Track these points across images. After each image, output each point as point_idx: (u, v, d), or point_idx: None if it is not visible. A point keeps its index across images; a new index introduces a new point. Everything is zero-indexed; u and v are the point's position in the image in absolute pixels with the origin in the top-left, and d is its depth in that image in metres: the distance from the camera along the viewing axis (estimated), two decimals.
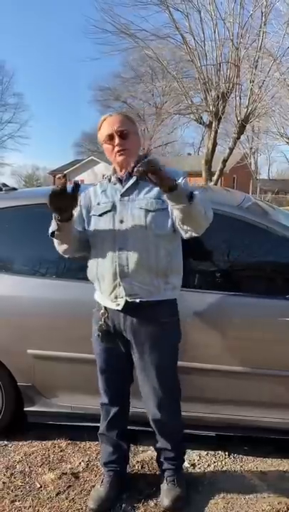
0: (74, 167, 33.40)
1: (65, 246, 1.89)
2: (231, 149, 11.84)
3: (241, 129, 11.29)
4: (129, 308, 1.85)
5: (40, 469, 2.29)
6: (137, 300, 1.83)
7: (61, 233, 1.80)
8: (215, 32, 10.66)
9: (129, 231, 1.82)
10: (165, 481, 2.05)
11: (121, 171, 1.91)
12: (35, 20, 72.25)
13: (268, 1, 9.98)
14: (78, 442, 2.51)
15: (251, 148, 21.42)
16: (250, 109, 10.77)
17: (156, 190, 1.83)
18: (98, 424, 2.09)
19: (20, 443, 2.53)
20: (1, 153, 36.94)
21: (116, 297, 1.87)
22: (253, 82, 10.45)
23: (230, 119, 12.10)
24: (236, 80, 10.67)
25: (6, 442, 2.53)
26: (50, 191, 1.61)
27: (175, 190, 1.59)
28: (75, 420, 2.47)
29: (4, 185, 2.94)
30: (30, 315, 2.40)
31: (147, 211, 1.82)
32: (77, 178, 31.50)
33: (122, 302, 1.85)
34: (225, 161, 11.89)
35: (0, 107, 35.20)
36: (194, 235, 1.76)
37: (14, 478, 2.23)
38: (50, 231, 1.82)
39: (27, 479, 2.22)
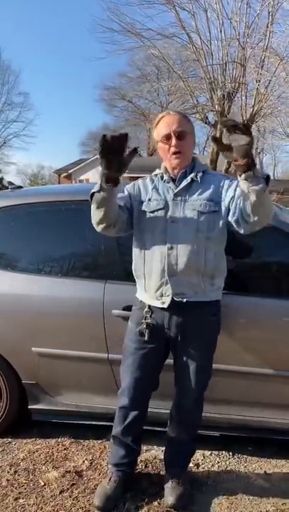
0: (79, 166, 33.40)
1: (101, 213, 1.78)
2: None
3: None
4: (174, 307, 1.86)
5: (44, 467, 2.30)
6: (184, 300, 1.85)
7: (102, 196, 1.71)
8: (221, 31, 10.64)
9: (181, 231, 1.82)
10: (170, 479, 2.04)
11: (173, 171, 1.90)
12: (41, 19, 72.38)
13: (275, 1, 9.94)
14: (82, 441, 2.51)
15: (256, 148, 21.32)
16: (255, 108, 10.74)
17: (209, 192, 1.84)
18: (103, 423, 2.09)
19: (25, 441, 2.53)
20: (7, 152, 36.85)
21: (162, 295, 1.87)
22: (259, 81, 10.41)
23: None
24: (242, 79, 10.63)
25: (10, 440, 2.54)
26: (103, 136, 1.55)
27: (253, 168, 1.55)
28: (79, 418, 2.48)
29: (10, 183, 2.95)
30: (35, 313, 2.40)
31: (200, 213, 1.82)
32: (82, 178, 31.59)
33: (167, 300, 1.86)
34: (230, 161, 11.85)
35: (6, 105, 35.26)
36: (258, 227, 1.73)
37: (18, 475, 2.24)
38: (92, 191, 1.74)
39: (31, 477, 2.22)
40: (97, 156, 1.66)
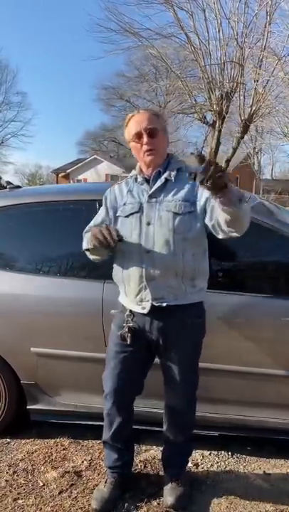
0: (77, 166, 33.38)
1: (97, 257, 1.94)
2: (235, 149, 11.81)
3: (245, 129, 11.24)
4: (155, 312, 1.84)
5: (42, 467, 2.29)
6: (164, 304, 1.82)
7: (94, 252, 1.87)
8: (219, 31, 10.62)
9: (157, 234, 1.80)
10: (169, 480, 2.04)
11: (148, 169, 1.88)
12: (39, 19, 72.30)
13: (273, 1, 9.93)
14: (81, 441, 2.51)
15: (255, 148, 21.35)
16: (254, 108, 10.73)
17: (184, 192, 1.81)
18: (102, 423, 2.08)
19: (23, 441, 2.53)
20: (5, 152, 36.73)
21: (141, 300, 1.85)
22: (257, 81, 10.40)
23: (233, 119, 12.06)
24: (240, 79, 10.62)
25: (8, 440, 2.53)
26: (97, 239, 1.72)
27: (227, 192, 1.50)
28: (78, 419, 2.47)
29: (9, 183, 2.95)
30: (34, 313, 2.40)
31: (175, 214, 1.79)
32: (80, 177, 31.57)
33: (147, 306, 1.84)
34: (228, 161, 11.85)
35: (3, 105, 35.18)
36: (235, 235, 1.72)
37: (17, 476, 2.23)
38: (83, 247, 1.89)
39: (30, 477, 2.22)
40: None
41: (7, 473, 2.26)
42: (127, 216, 1.86)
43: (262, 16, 10.22)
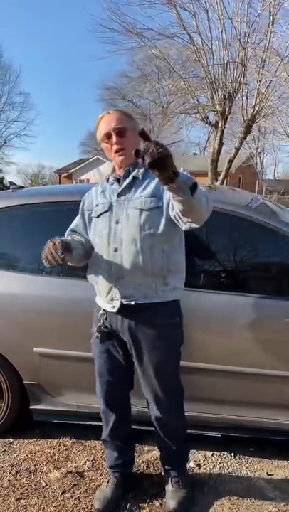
0: (79, 166, 33.42)
1: (76, 263, 1.91)
2: (237, 149, 11.79)
3: (248, 129, 11.23)
4: (125, 311, 1.83)
5: (45, 467, 2.30)
6: (132, 302, 1.81)
7: (67, 261, 1.80)
8: (222, 31, 10.61)
9: (124, 232, 1.79)
10: (170, 482, 2.04)
11: (120, 169, 1.88)
12: (42, 19, 72.42)
13: (276, 1, 9.92)
14: (83, 441, 2.51)
15: (257, 149, 21.30)
16: (256, 109, 10.72)
17: (151, 187, 1.80)
18: None
19: (26, 441, 2.53)
20: (7, 152, 36.73)
21: (112, 299, 1.85)
22: (260, 81, 10.39)
23: (236, 119, 12.05)
24: (243, 79, 10.62)
25: (11, 440, 2.54)
26: (48, 258, 1.71)
27: (175, 180, 1.46)
28: (80, 419, 2.47)
29: (12, 183, 2.95)
30: (36, 313, 2.40)
31: (141, 210, 1.78)
32: (83, 178, 31.59)
33: (117, 304, 1.84)
34: (231, 161, 11.84)
35: (6, 105, 35.20)
36: (194, 226, 1.68)
37: (20, 476, 2.24)
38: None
39: (32, 477, 2.22)
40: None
41: (10, 473, 2.26)
42: (98, 216, 1.88)
43: (265, 16, 10.22)
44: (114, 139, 1.81)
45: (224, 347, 2.23)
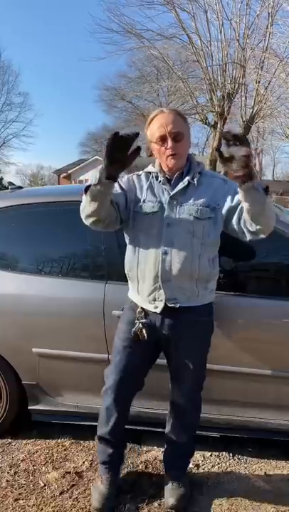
0: (78, 166, 33.43)
1: (94, 207, 1.72)
2: None
3: (246, 130, 11.26)
4: (166, 311, 1.85)
5: (44, 468, 2.29)
6: (177, 305, 1.83)
7: (99, 190, 1.66)
8: (221, 32, 10.67)
9: (176, 236, 1.79)
10: (169, 480, 2.04)
11: (169, 170, 1.85)
12: (41, 20, 72.50)
13: (275, 2, 9.95)
14: (82, 441, 2.51)
15: (256, 149, 21.36)
16: (255, 109, 10.76)
17: (206, 197, 1.81)
18: None
19: (24, 441, 2.53)
20: (6, 153, 36.77)
21: (154, 300, 1.85)
22: (259, 82, 10.43)
23: (235, 120, 12.08)
24: (242, 80, 10.65)
25: (9, 440, 2.53)
26: (115, 133, 1.51)
27: (254, 179, 1.53)
28: (79, 419, 2.47)
29: (11, 183, 2.95)
30: (35, 314, 2.40)
31: (196, 219, 1.79)
32: (82, 178, 31.59)
33: (160, 305, 1.84)
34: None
35: (5, 106, 35.24)
36: (261, 235, 1.72)
37: (18, 476, 2.24)
38: (89, 182, 1.70)
39: (31, 478, 2.22)
40: (101, 154, 1.69)
41: (8, 473, 2.26)
42: (147, 214, 1.84)
43: (264, 17, 10.28)
44: (169, 143, 1.77)
45: (223, 347, 2.23)
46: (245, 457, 2.40)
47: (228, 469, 2.31)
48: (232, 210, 1.78)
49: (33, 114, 53.54)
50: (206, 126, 13.13)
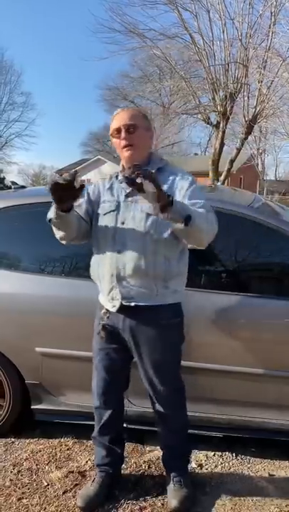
0: (81, 166, 33.38)
1: (61, 233, 1.85)
2: (239, 150, 11.81)
3: (249, 130, 11.24)
4: (125, 311, 1.84)
5: (47, 467, 2.30)
6: (132, 304, 1.82)
7: (59, 221, 1.76)
8: (224, 32, 10.62)
9: (129, 234, 1.79)
10: (171, 481, 2.03)
11: (127, 166, 1.84)
12: (44, 19, 72.58)
13: (278, 1, 9.92)
14: (85, 441, 2.51)
15: (258, 149, 21.30)
16: (258, 109, 10.72)
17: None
18: None
19: (28, 441, 2.53)
20: (9, 152, 36.77)
21: (112, 299, 1.86)
22: (262, 82, 10.39)
23: (237, 120, 12.05)
24: (244, 80, 10.62)
25: (13, 439, 2.54)
26: (54, 180, 1.54)
27: (170, 208, 1.52)
28: (82, 419, 2.47)
29: (14, 183, 2.95)
30: (38, 313, 2.40)
31: (148, 215, 1.77)
32: (84, 178, 31.58)
33: (117, 304, 1.85)
34: (232, 162, 11.85)
35: (8, 105, 35.28)
36: (197, 247, 1.73)
37: (21, 475, 2.24)
38: (48, 217, 1.78)
39: (34, 477, 2.22)
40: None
41: (11, 472, 2.26)
42: (105, 214, 1.87)
43: (266, 16, 10.23)
44: (123, 134, 1.81)
45: (226, 347, 2.23)
46: (248, 457, 2.40)
47: (231, 469, 2.31)
48: None
49: (36, 114, 53.56)
50: (208, 125, 13.10)
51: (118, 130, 1.82)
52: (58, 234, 1.87)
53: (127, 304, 1.83)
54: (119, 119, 1.84)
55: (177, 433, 2.03)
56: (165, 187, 1.78)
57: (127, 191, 1.83)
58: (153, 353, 1.87)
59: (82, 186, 1.59)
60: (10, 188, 2.94)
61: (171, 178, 1.84)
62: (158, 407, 1.97)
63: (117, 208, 1.84)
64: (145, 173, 1.47)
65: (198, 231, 1.63)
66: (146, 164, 1.84)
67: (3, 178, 28.87)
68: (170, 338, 1.90)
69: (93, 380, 2.02)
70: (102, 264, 1.87)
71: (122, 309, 1.84)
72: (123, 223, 1.81)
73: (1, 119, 34.78)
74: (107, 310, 1.90)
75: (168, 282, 1.82)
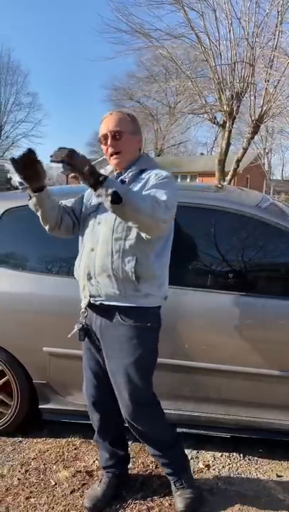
0: None
1: (40, 215, 1.87)
2: (245, 149, 11.74)
3: (255, 129, 11.18)
4: (96, 310, 1.86)
5: (54, 467, 2.30)
6: (97, 302, 1.83)
7: (34, 202, 1.81)
8: (230, 31, 10.57)
9: (101, 233, 1.81)
10: (172, 484, 2.02)
11: (116, 171, 1.89)
12: (51, 20, 72.86)
13: (285, 0, 9.87)
14: (92, 441, 2.50)
15: (265, 149, 21.24)
16: (264, 108, 10.66)
17: None
18: None
19: (35, 440, 2.54)
20: (15, 152, 36.96)
21: (84, 296, 1.89)
22: (268, 81, 10.34)
23: (244, 119, 12.00)
24: (251, 79, 10.57)
25: (20, 439, 2.55)
26: (11, 159, 1.61)
27: (99, 185, 1.51)
28: (89, 418, 2.47)
29: (21, 183, 2.96)
30: (46, 313, 2.41)
31: None
32: None
33: (86, 302, 1.88)
34: (238, 161, 11.80)
35: (14, 106, 35.49)
36: (145, 235, 1.68)
37: (29, 475, 2.25)
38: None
39: (42, 476, 2.23)
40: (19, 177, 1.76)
41: (19, 471, 2.27)
42: (88, 214, 1.90)
43: (273, 15, 10.17)
44: (109, 141, 1.81)
45: (233, 347, 2.22)
46: (255, 458, 2.39)
47: (239, 470, 2.30)
48: None
49: (42, 115, 53.72)
50: (214, 125, 13.06)
51: (105, 136, 1.83)
52: (39, 217, 1.89)
53: (94, 301, 1.85)
54: (105, 124, 1.83)
55: (154, 444, 1.96)
56: (139, 185, 1.78)
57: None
58: (118, 356, 1.82)
59: (35, 161, 1.63)
60: (17, 188, 2.95)
61: (147, 177, 1.80)
62: (126, 415, 1.87)
63: (97, 208, 1.86)
64: (63, 158, 1.50)
65: (133, 210, 1.56)
66: (130, 167, 1.84)
67: (10, 179, 28.98)
68: (138, 343, 1.81)
69: (83, 382, 2.02)
70: (80, 263, 1.91)
71: (92, 307, 1.87)
72: (99, 223, 1.83)
73: (8, 119, 35.01)
74: (85, 309, 1.91)
75: (138, 285, 1.77)
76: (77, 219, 1.97)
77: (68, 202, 2.00)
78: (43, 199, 1.80)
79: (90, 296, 1.85)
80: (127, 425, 1.92)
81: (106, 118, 1.85)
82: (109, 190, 1.50)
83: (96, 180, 1.52)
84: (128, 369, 1.82)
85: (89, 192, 1.98)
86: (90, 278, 1.83)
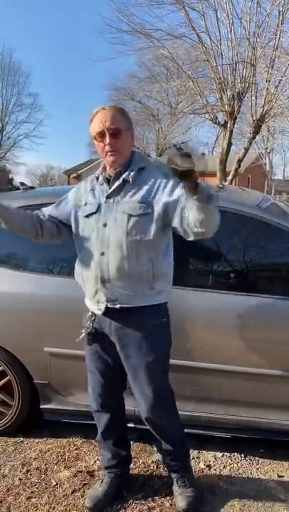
0: (88, 167, 33.51)
1: (21, 233, 1.94)
2: (246, 149, 11.73)
3: (257, 129, 11.16)
4: (111, 313, 1.84)
5: (55, 467, 2.31)
6: (117, 306, 1.81)
7: (5, 227, 1.87)
8: (231, 31, 10.56)
9: (111, 236, 1.77)
10: (175, 482, 2.03)
11: (110, 169, 1.85)
12: (51, 20, 72.94)
13: (286, 0, 9.86)
14: (93, 441, 2.50)
15: (266, 149, 21.17)
16: (266, 108, 10.65)
17: (141, 193, 1.77)
18: None
19: (36, 440, 2.55)
20: (17, 153, 37.08)
21: (98, 302, 1.86)
22: (270, 81, 10.32)
23: (245, 119, 11.98)
24: (252, 79, 10.55)
25: (22, 439, 2.55)
26: None
27: (199, 189, 1.48)
28: (90, 419, 2.47)
29: (22, 184, 2.97)
30: (47, 313, 2.41)
31: (130, 216, 1.75)
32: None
33: (102, 307, 1.84)
34: (240, 161, 11.78)
35: (16, 106, 35.49)
36: (204, 237, 1.68)
37: (30, 475, 2.25)
38: None
39: (43, 476, 2.24)
40: None
41: (20, 471, 2.28)
42: (87, 216, 1.85)
43: (274, 15, 10.15)
44: (107, 139, 1.76)
45: (234, 347, 2.22)
46: (256, 458, 2.39)
47: (240, 470, 2.30)
48: (170, 207, 1.71)
49: (43, 115, 53.78)
50: (215, 125, 13.04)
51: (102, 134, 1.77)
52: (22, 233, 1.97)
53: (112, 306, 1.82)
54: (100, 120, 1.77)
55: (168, 438, 2.00)
56: (146, 187, 1.77)
57: (108, 192, 1.81)
58: (139, 354, 1.84)
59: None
60: (18, 188, 2.96)
61: (154, 175, 1.80)
62: (145, 411, 1.92)
63: (98, 209, 1.82)
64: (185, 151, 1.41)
65: (215, 215, 1.59)
66: (128, 165, 1.83)
67: (12, 179, 29.03)
68: (156, 339, 1.86)
69: (89, 384, 2.01)
70: (86, 268, 1.86)
71: (108, 312, 1.84)
72: (105, 225, 1.79)
73: (10, 120, 35.02)
74: (93, 313, 1.90)
75: (153, 283, 1.80)
76: (62, 222, 1.94)
77: (47, 210, 1.99)
78: (8, 221, 1.87)
79: (108, 301, 1.82)
80: (130, 425, 1.94)
81: (99, 113, 1.79)
82: (210, 193, 1.50)
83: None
84: (151, 366, 1.84)
85: (77, 193, 1.95)
86: (103, 282, 1.80)
